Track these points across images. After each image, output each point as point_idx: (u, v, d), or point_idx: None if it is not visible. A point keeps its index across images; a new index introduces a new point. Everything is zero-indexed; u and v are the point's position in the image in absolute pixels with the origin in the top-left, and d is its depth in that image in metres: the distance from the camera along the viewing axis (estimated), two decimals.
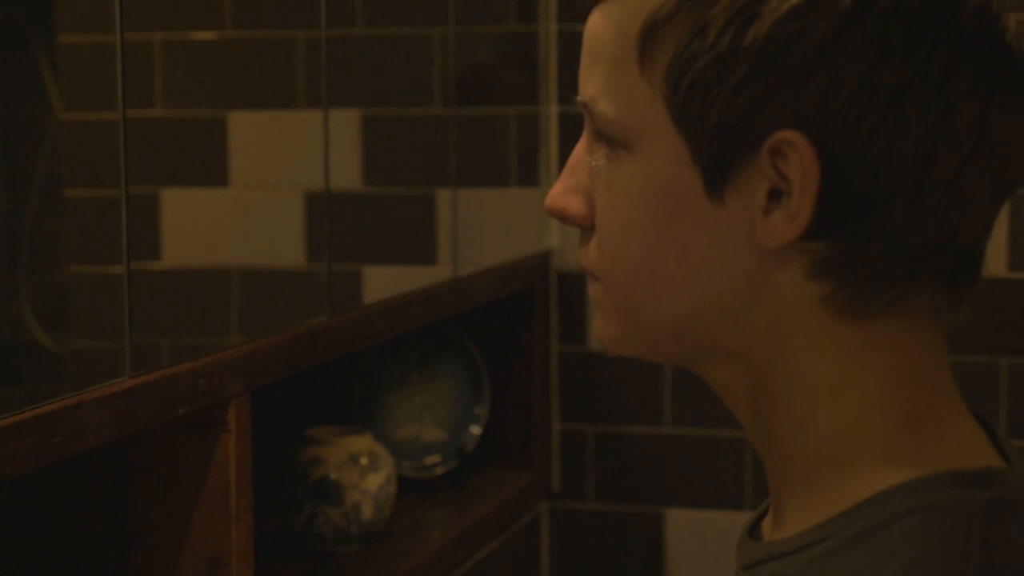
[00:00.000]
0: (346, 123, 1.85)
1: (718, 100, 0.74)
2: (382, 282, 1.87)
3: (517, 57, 2.21)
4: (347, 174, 1.86)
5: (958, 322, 0.79)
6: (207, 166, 1.77)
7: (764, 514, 0.87)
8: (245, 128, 1.76)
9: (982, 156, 0.75)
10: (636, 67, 0.77)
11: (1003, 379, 2.08)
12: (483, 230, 2.01)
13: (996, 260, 2.07)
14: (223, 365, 1.32)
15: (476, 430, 2.06)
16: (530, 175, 2.23)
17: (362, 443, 1.76)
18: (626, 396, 2.25)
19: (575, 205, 0.83)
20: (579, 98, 0.82)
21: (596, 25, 0.80)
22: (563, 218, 0.84)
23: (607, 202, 0.81)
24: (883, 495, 0.75)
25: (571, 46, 2.23)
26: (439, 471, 2.03)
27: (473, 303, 1.97)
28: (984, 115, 0.74)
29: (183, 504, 1.33)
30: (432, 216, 1.96)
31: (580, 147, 0.84)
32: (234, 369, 1.34)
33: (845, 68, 0.72)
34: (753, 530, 0.87)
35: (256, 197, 1.78)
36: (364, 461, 1.75)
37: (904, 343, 0.78)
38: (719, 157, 0.76)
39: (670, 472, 2.24)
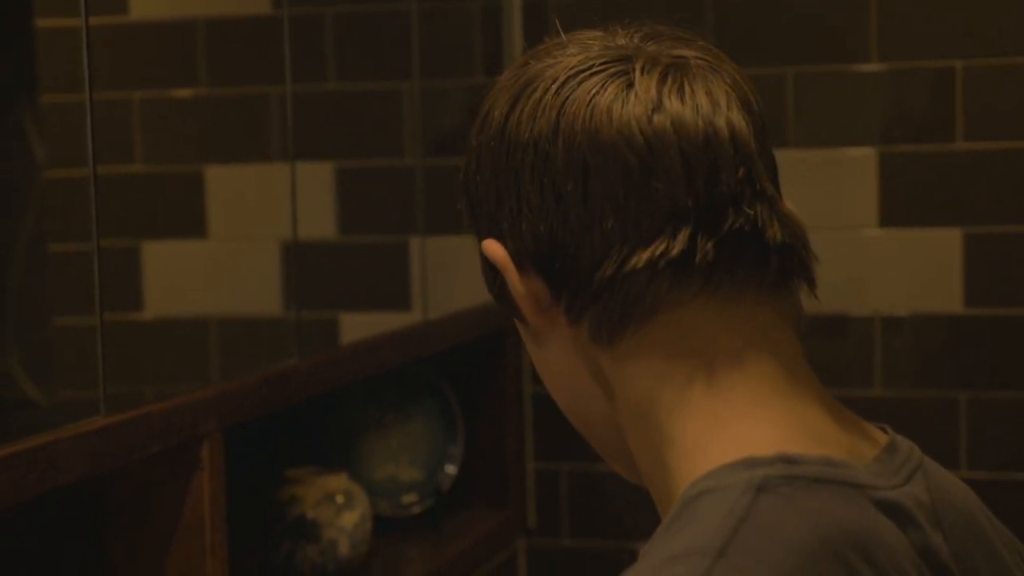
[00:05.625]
0: (321, 175, 1.91)
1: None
2: (359, 327, 1.93)
3: None
4: (322, 224, 1.92)
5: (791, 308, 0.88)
6: (186, 219, 1.83)
7: None
8: (222, 181, 1.83)
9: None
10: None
11: (962, 412, 2.14)
12: (454, 275, 2.08)
13: (953, 297, 2.14)
14: (195, 405, 1.38)
15: (452, 469, 2.12)
16: None
17: (338, 482, 1.82)
18: None
19: None
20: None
21: None
22: None
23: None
24: (690, 487, 0.84)
25: None
26: (416, 510, 2.08)
27: (443, 345, 2.03)
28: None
29: (160, 538, 1.38)
30: (405, 263, 2.02)
31: None
32: (206, 408, 1.39)
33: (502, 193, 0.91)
34: None
35: (234, 248, 1.84)
36: (340, 499, 1.81)
37: (692, 339, 0.87)
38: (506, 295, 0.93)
39: (644, 508, 2.29)
